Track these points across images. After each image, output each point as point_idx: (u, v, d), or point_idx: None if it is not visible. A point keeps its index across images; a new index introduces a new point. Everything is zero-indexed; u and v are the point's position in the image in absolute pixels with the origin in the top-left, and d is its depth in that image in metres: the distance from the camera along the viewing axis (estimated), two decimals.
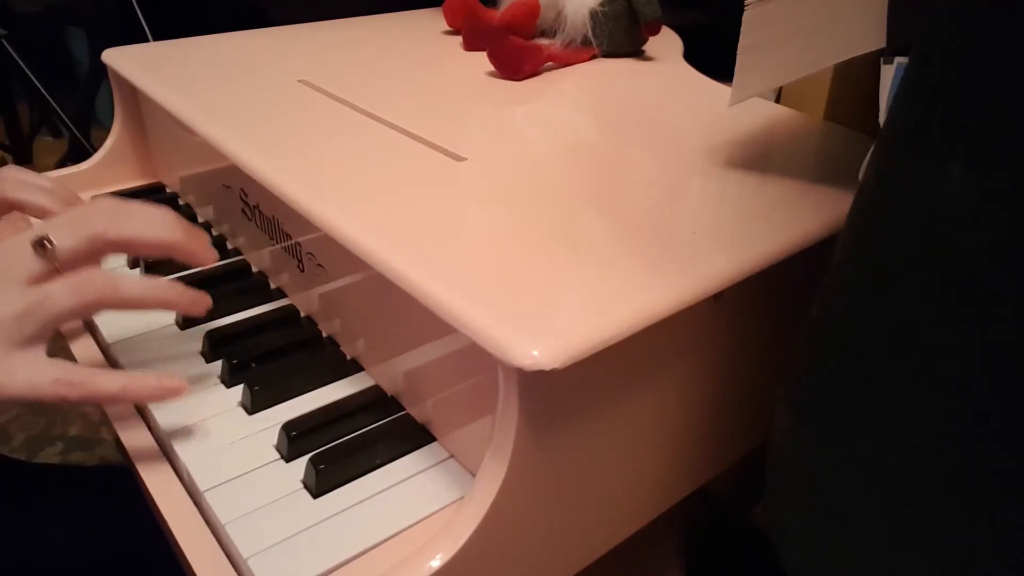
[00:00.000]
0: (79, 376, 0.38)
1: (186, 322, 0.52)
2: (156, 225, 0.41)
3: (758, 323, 0.46)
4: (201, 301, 0.44)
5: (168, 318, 0.53)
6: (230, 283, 0.57)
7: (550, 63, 0.72)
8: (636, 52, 0.77)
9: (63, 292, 0.38)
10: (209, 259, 0.44)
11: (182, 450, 0.42)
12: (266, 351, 0.49)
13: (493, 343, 0.34)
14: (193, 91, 0.62)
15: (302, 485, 0.40)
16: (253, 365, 0.48)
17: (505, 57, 0.68)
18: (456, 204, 0.46)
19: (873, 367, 0.31)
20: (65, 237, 0.38)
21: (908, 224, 0.30)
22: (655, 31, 0.75)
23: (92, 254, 0.40)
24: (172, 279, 0.56)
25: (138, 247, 0.41)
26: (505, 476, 0.35)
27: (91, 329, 0.53)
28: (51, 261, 0.38)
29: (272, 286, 0.57)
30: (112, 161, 0.72)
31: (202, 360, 0.50)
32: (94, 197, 0.42)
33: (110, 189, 0.70)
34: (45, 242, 0.38)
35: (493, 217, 0.45)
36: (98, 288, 0.39)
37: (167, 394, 0.41)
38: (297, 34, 0.79)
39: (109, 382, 0.39)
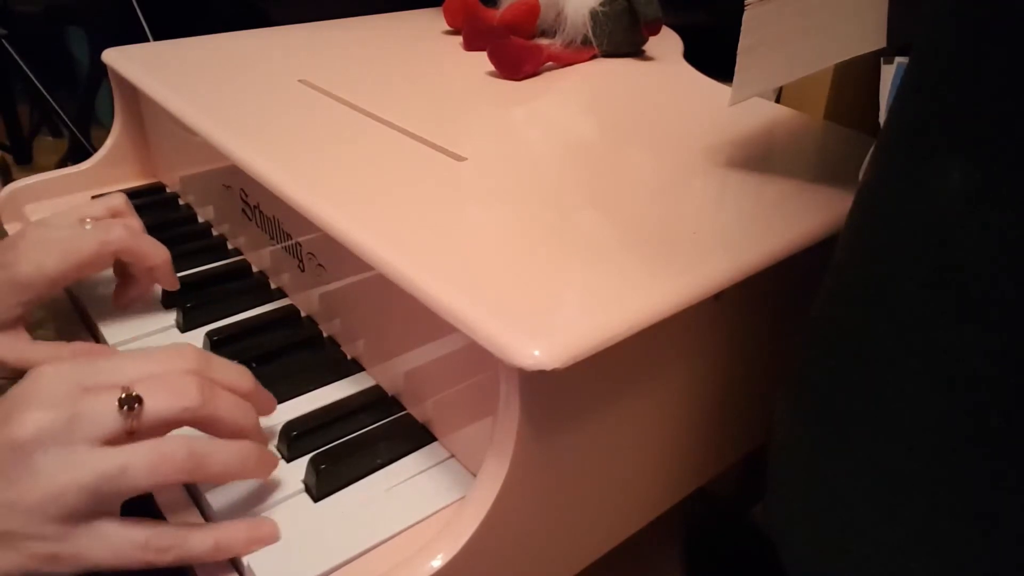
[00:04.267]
0: (170, 538, 0.35)
1: (186, 323, 0.52)
2: (242, 412, 0.39)
3: (758, 323, 0.46)
4: (272, 463, 0.40)
5: (168, 319, 0.53)
6: (230, 283, 0.57)
7: (550, 63, 0.72)
8: (636, 52, 0.77)
9: (143, 467, 0.34)
10: (267, 472, 0.41)
11: None
12: (266, 351, 0.49)
13: (494, 343, 0.34)
14: (193, 91, 0.62)
15: (303, 485, 0.40)
16: (253, 365, 0.48)
17: (505, 57, 0.68)
18: (456, 204, 0.46)
19: (873, 367, 0.31)
20: (157, 402, 0.35)
21: (908, 224, 0.30)
22: (655, 31, 0.75)
23: (177, 425, 0.36)
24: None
25: (220, 430, 0.37)
26: (506, 476, 0.35)
27: (91, 329, 0.53)
28: (133, 422, 0.34)
29: (272, 286, 0.57)
30: (112, 161, 0.72)
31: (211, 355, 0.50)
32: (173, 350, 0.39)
33: (110, 189, 0.70)
34: (135, 403, 0.34)
35: (493, 217, 0.45)
36: (181, 466, 0.35)
37: (260, 544, 0.37)
38: (297, 34, 0.79)
39: (202, 540, 0.36)
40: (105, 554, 0.33)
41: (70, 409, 0.34)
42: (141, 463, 0.34)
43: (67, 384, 0.35)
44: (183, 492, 0.41)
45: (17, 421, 0.33)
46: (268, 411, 0.43)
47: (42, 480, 0.32)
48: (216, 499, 0.39)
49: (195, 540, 0.35)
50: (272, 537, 0.38)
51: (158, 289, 0.55)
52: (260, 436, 0.41)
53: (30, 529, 0.32)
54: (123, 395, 0.34)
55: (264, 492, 0.40)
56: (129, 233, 0.50)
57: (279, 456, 0.42)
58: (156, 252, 0.52)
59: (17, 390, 0.35)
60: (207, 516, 0.39)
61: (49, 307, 0.56)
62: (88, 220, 0.50)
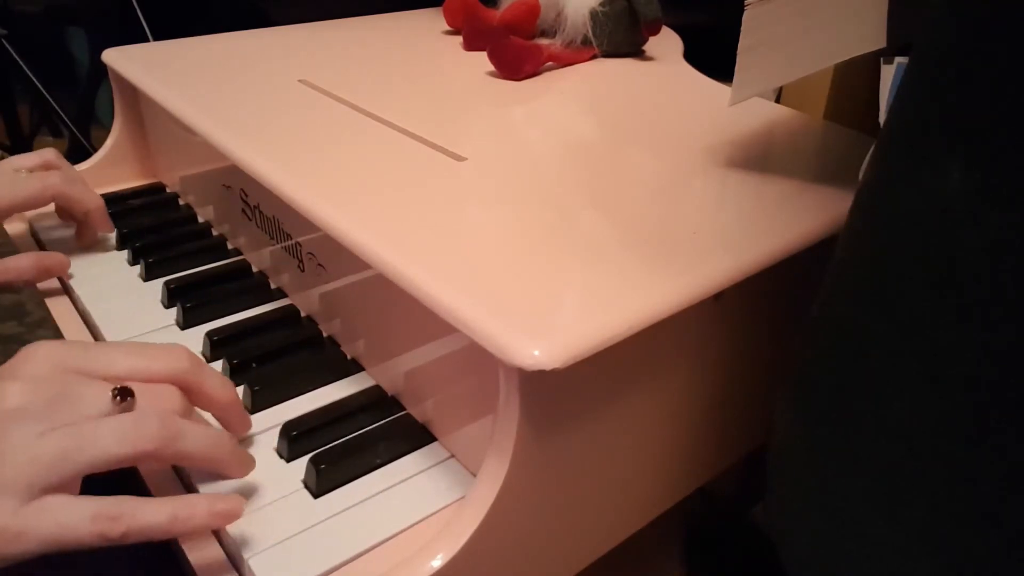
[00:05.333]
0: (119, 507, 0.33)
1: (186, 322, 0.52)
2: (219, 441, 0.37)
3: (758, 323, 0.46)
4: (249, 464, 0.40)
5: (168, 318, 0.53)
6: (230, 283, 0.57)
7: (550, 63, 0.72)
8: (636, 52, 0.77)
9: (112, 436, 0.33)
10: (244, 469, 0.40)
11: None
12: (266, 351, 0.49)
13: (494, 343, 0.34)
14: (193, 91, 0.62)
15: (302, 485, 0.40)
16: (253, 365, 0.48)
17: (505, 57, 0.68)
18: (456, 204, 0.46)
19: (873, 367, 0.31)
20: (148, 402, 0.35)
21: (908, 224, 0.30)
22: (655, 31, 0.75)
23: None
24: (172, 278, 0.56)
25: (193, 460, 0.37)
26: (506, 476, 0.35)
27: (90, 328, 0.53)
28: (122, 412, 0.34)
29: (272, 286, 0.57)
30: (112, 161, 0.72)
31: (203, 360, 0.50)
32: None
33: (110, 189, 0.70)
34: (129, 397, 0.34)
35: (493, 217, 0.45)
36: (154, 436, 0.34)
37: (222, 520, 0.36)
38: (297, 34, 0.79)
39: (156, 512, 0.34)
40: (52, 527, 0.32)
41: (58, 389, 0.33)
42: (111, 432, 0.33)
43: (57, 364, 0.35)
44: (180, 489, 0.41)
45: (1, 392, 0.33)
46: (241, 431, 0.42)
47: (12, 455, 0.32)
48: None
49: (148, 510, 0.33)
50: (236, 512, 0.36)
51: (159, 290, 0.55)
52: (234, 461, 0.39)
53: None
54: (118, 387, 0.34)
55: (264, 491, 0.40)
56: (65, 180, 0.57)
57: (255, 460, 0.40)
58: (89, 198, 0.59)
59: (9, 363, 0.35)
60: None
61: (49, 307, 0.56)
62: (23, 169, 0.57)
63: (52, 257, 0.56)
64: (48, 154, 0.59)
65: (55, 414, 0.33)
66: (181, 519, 0.34)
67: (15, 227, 0.64)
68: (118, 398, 0.34)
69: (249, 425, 0.43)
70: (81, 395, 0.34)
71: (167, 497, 0.35)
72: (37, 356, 0.35)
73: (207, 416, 0.41)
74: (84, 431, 0.33)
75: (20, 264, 0.54)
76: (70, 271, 0.57)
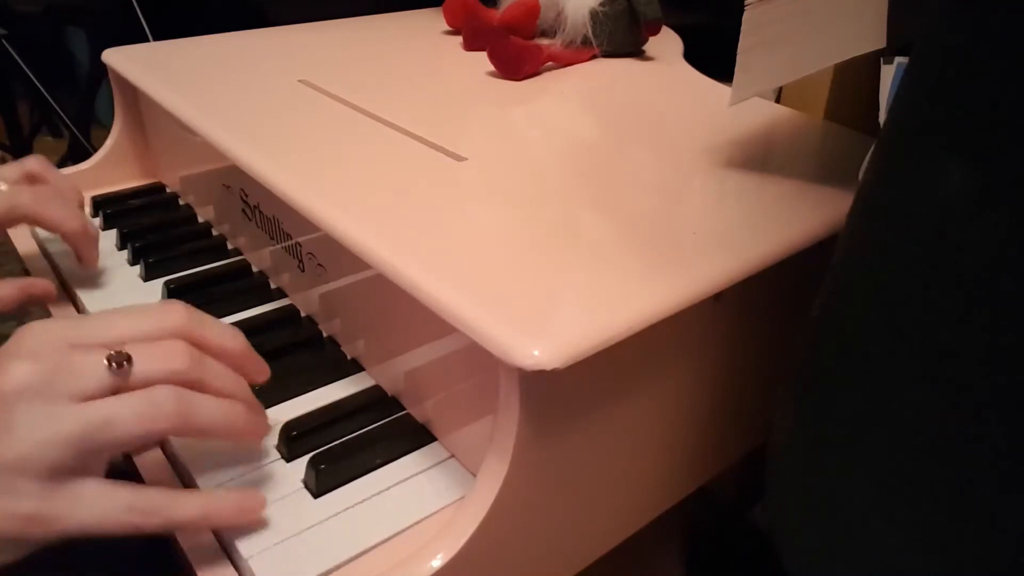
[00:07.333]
0: (155, 501, 0.34)
1: None
2: (230, 380, 0.38)
3: (758, 323, 0.46)
4: (265, 428, 0.40)
5: None
6: (230, 283, 0.57)
7: (550, 63, 0.72)
8: (636, 52, 0.77)
9: (130, 416, 0.33)
10: (262, 434, 0.41)
11: (182, 450, 0.42)
12: (266, 351, 0.49)
13: (494, 343, 0.34)
14: (193, 91, 0.62)
15: (302, 485, 0.40)
16: None
17: (505, 57, 0.68)
18: (456, 204, 0.46)
19: (873, 367, 0.31)
20: (146, 364, 0.34)
21: (908, 224, 0.30)
22: (655, 31, 0.75)
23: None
24: (169, 279, 0.56)
25: (210, 392, 0.37)
26: (506, 476, 0.35)
27: None
28: (120, 380, 0.34)
29: (272, 286, 0.57)
30: (112, 161, 0.72)
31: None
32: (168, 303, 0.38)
33: (110, 189, 0.70)
34: (124, 362, 0.34)
35: (493, 217, 0.45)
36: (171, 414, 0.34)
37: (247, 515, 0.37)
38: (297, 34, 0.79)
39: (188, 506, 0.35)
40: (87, 516, 0.32)
41: (56, 362, 0.33)
42: (128, 412, 0.33)
43: (54, 339, 0.34)
44: (178, 483, 0.41)
45: (1, 373, 0.33)
46: (260, 378, 0.41)
47: (23, 434, 0.32)
48: None
49: (182, 505, 0.34)
50: (259, 509, 0.37)
51: (159, 290, 0.55)
52: (251, 405, 0.39)
53: (9, 485, 0.31)
54: (112, 352, 0.34)
55: (264, 491, 0.40)
56: (34, 200, 0.51)
57: (270, 425, 0.41)
58: (63, 220, 0.52)
59: (7, 343, 0.34)
60: None
61: (49, 307, 0.56)
62: (2, 183, 0.51)
63: (37, 285, 0.52)
64: (31, 163, 0.54)
65: (54, 389, 0.33)
66: (212, 514, 0.35)
67: (19, 233, 0.64)
68: (113, 365, 0.34)
69: (267, 371, 0.42)
70: (77, 366, 0.33)
71: (198, 492, 0.36)
72: (31, 334, 0.34)
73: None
74: (100, 412, 0.33)
75: (3, 293, 0.50)
76: (70, 272, 0.57)
